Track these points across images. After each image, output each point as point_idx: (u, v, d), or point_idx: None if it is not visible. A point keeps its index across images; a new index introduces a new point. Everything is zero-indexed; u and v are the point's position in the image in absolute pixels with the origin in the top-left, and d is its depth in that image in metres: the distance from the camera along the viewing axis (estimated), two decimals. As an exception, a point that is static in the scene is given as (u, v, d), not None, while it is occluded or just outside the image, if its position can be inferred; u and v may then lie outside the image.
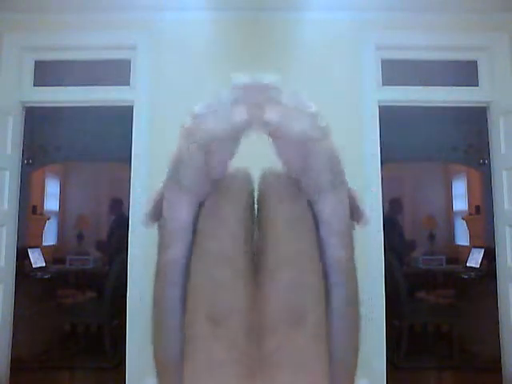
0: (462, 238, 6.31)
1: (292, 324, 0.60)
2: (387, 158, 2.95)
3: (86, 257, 4.58)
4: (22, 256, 3.59)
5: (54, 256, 5.36)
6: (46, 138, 4.94)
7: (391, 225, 4.43)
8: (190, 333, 0.66)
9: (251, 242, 0.74)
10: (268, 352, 0.64)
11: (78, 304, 4.17)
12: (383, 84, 2.92)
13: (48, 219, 6.29)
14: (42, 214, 6.22)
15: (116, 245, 4.44)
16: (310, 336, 0.60)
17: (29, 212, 5.72)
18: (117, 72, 2.98)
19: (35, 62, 2.96)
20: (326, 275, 0.65)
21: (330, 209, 0.68)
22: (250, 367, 0.65)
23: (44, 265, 4.28)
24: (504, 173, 2.82)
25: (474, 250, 4.34)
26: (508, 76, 2.84)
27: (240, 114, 0.57)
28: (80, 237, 5.44)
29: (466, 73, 3.01)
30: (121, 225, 4.36)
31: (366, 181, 2.75)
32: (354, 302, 0.67)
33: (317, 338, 0.60)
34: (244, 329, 0.57)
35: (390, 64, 2.95)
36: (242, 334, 0.57)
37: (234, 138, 0.69)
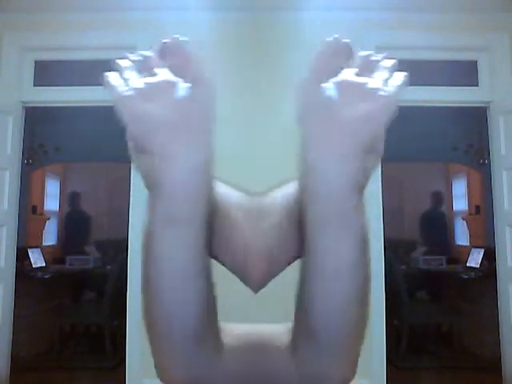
0: (462, 238, 6.31)
1: None
2: (387, 157, 2.93)
3: (86, 257, 4.58)
4: (21, 256, 3.59)
5: (54, 256, 5.36)
6: (46, 138, 4.94)
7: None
8: None
9: None
10: None
11: (78, 304, 4.18)
12: (383, 84, 2.91)
13: (48, 219, 6.29)
14: (42, 214, 6.22)
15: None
16: None
17: (29, 212, 5.73)
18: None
19: (35, 61, 2.96)
20: None
21: None
22: None
23: (44, 265, 4.27)
24: (504, 173, 2.82)
25: (473, 250, 4.34)
26: (508, 76, 2.84)
27: None
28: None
29: (466, 73, 3.01)
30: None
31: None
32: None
33: None
34: None
35: (390, 64, 2.94)
36: None
37: None
